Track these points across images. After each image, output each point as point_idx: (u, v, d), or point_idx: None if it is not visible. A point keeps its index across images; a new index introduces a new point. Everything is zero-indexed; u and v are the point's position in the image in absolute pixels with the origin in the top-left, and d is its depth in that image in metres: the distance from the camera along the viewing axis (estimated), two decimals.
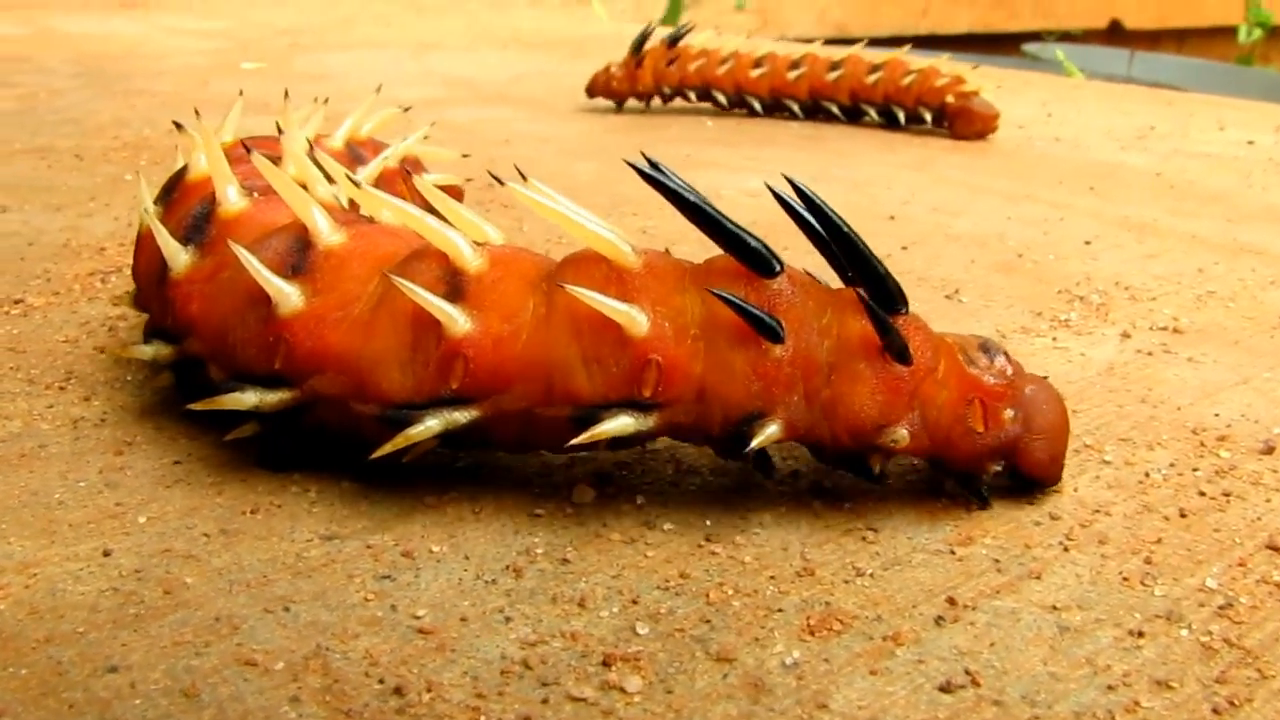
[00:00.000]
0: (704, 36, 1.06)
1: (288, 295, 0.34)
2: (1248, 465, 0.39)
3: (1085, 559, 0.33)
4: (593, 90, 1.07)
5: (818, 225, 0.33)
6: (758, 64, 1.03)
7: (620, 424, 0.32)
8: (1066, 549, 0.34)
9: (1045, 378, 0.37)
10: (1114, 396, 0.45)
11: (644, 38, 1.04)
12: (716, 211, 0.32)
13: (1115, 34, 3.54)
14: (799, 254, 0.38)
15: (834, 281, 0.35)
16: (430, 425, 0.33)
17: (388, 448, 0.34)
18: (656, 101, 1.08)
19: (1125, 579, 0.32)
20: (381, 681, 0.28)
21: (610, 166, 0.84)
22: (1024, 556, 0.33)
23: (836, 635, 0.29)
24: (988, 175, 0.84)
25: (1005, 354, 0.35)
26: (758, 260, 0.32)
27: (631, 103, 1.08)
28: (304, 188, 0.38)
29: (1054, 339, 0.51)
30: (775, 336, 0.32)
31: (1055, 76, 1.36)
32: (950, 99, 0.97)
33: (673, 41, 1.04)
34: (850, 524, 0.35)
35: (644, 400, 0.32)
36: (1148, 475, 0.38)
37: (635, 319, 0.32)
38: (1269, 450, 0.40)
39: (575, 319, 0.33)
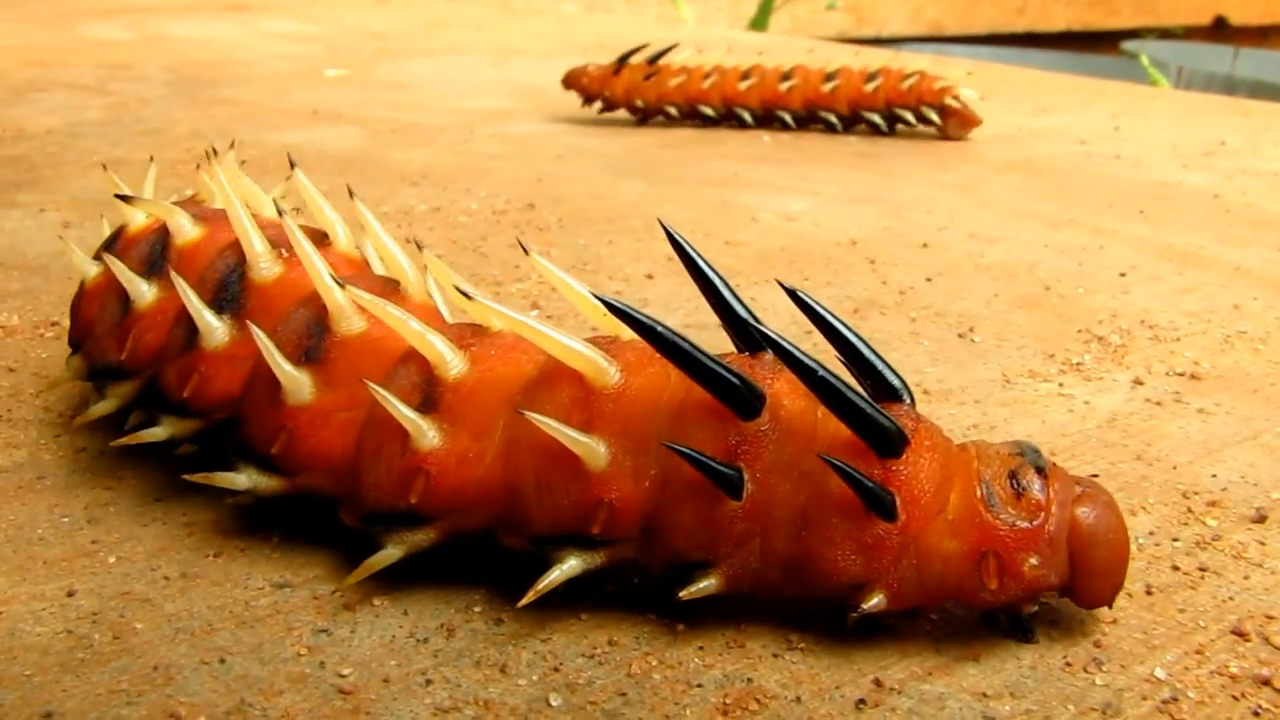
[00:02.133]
0: (685, 55, 1.06)
1: (300, 384, 0.34)
2: (1234, 535, 0.38)
3: (1031, 645, 0.32)
4: (568, 82, 1.07)
5: (842, 332, 0.31)
6: (745, 76, 1.02)
7: (569, 567, 0.31)
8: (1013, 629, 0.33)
9: (1105, 493, 0.31)
10: (1109, 452, 0.44)
11: (630, 54, 1.05)
12: (694, 348, 0.29)
13: (1220, 30, 3.41)
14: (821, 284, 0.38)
15: None
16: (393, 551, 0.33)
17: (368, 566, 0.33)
18: (652, 113, 1.07)
19: (1068, 665, 0.31)
20: None
21: (655, 186, 0.84)
22: (966, 633, 0.32)
23: (749, 716, 0.29)
24: (1035, 197, 0.82)
25: (1046, 475, 0.30)
26: (737, 401, 0.30)
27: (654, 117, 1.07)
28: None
29: (1060, 385, 0.50)
30: (734, 493, 0.29)
31: (1133, 85, 1.32)
32: (949, 100, 0.99)
33: (653, 60, 1.04)
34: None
35: (593, 537, 0.31)
36: None
37: (596, 452, 0.30)
38: (1260, 519, 0.39)
39: (535, 445, 0.31)
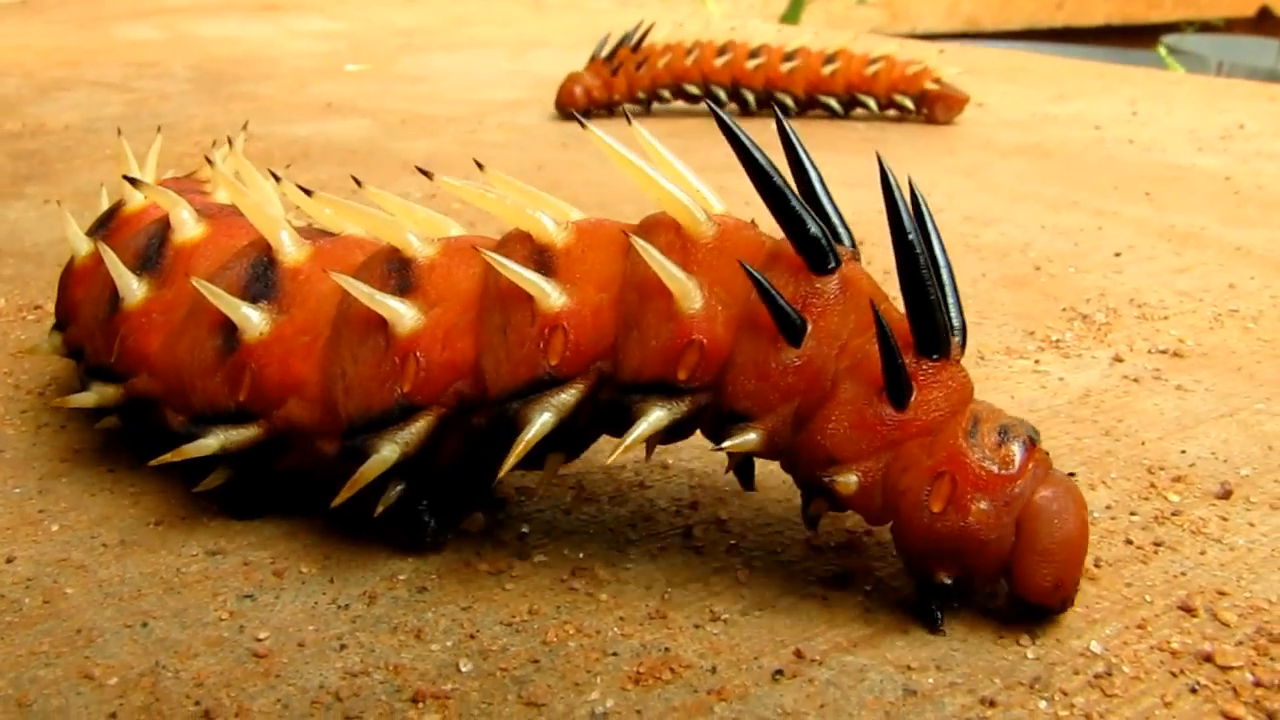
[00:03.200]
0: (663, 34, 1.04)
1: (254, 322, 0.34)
2: (1195, 510, 0.37)
3: (968, 612, 0.31)
4: (567, 104, 1.01)
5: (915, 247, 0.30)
6: (753, 55, 1.01)
7: (655, 419, 0.30)
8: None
9: (1073, 484, 0.30)
10: (1076, 428, 0.42)
11: (615, 50, 1.01)
12: (786, 185, 0.30)
13: (1264, 22, 3.34)
14: None
15: None
16: (389, 452, 0.32)
17: (347, 490, 0.32)
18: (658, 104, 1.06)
19: (1001, 638, 0.30)
20: (197, 703, 0.28)
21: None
22: (899, 609, 0.32)
23: (662, 685, 0.28)
24: (1039, 180, 0.81)
25: (1029, 446, 0.30)
26: (814, 253, 0.30)
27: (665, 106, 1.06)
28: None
29: (1036, 361, 0.48)
30: (793, 340, 0.29)
31: (1157, 71, 1.30)
32: (930, 85, 0.98)
33: (636, 45, 1.01)
34: (727, 561, 0.34)
35: (679, 384, 0.30)
36: None
37: (690, 293, 0.30)
38: (1225, 494, 0.38)
39: (640, 283, 0.31)
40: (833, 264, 0.30)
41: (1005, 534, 0.29)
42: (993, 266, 0.61)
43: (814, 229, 0.30)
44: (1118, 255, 0.63)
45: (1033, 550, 0.29)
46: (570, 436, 0.32)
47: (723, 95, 1.02)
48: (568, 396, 0.31)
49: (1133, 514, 0.37)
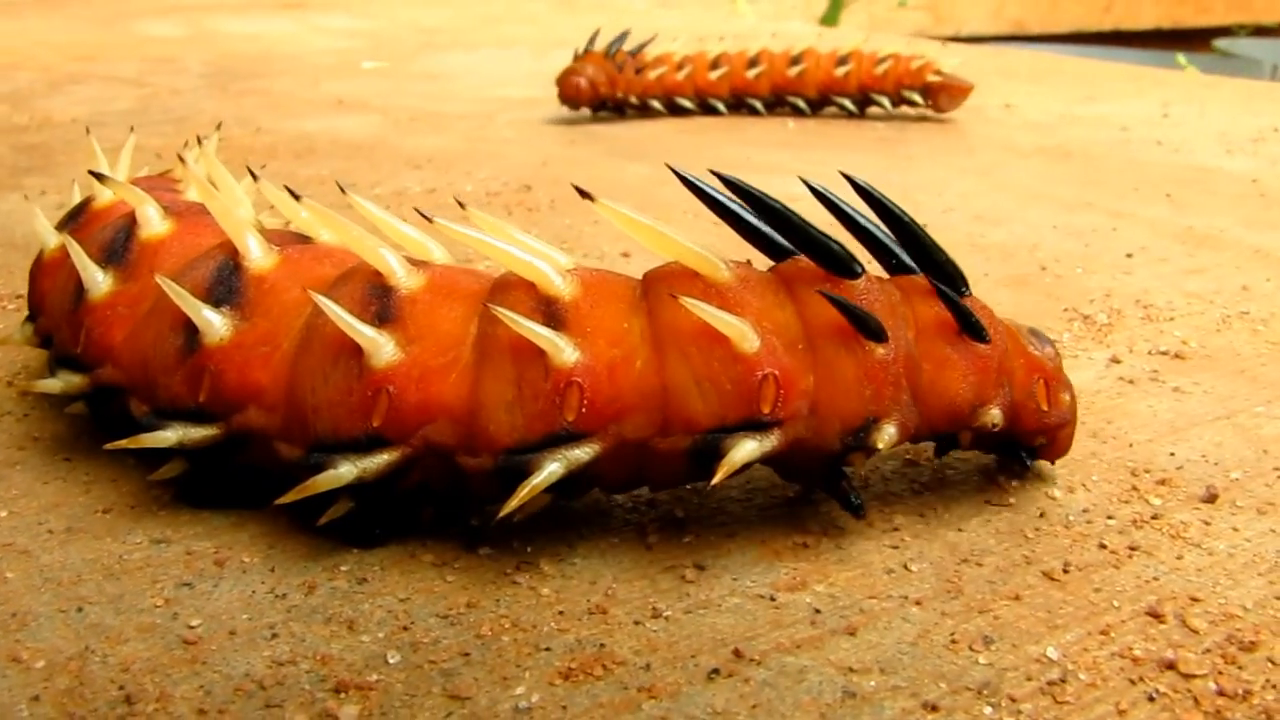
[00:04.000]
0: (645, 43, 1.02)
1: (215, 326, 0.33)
2: (1176, 515, 0.35)
3: (922, 616, 0.30)
4: (571, 97, 0.98)
5: (855, 217, 0.33)
6: (753, 63, 0.99)
7: (747, 451, 0.30)
8: (906, 603, 0.31)
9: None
10: None
11: (615, 48, 0.99)
12: (799, 216, 0.32)
13: None
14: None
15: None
16: (346, 471, 0.31)
17: (294, 494, 0.32)
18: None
19: (954, 642, 0.29)
20: (121, 688, 0.27)
21: (660, 170, 0.82)
22: (851, 609, 0.30)
23: (592, 681, 0.27)
24: (1056, 181, 0.79)
25: (1052, 343, 0.36)
26: (841, 263, 0.32)
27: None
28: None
29: None
30: (880, 337, 0.31)
31: (1194, 74, 1.27)
32: (932, 77, 0.98)
33: (634, 51, 1.00)
34: (677, 560, 0.33)
35: (764, 418, 0.30)
36: (1045, 521, 0.35)
37: (746, 333, 0.30)
38: (1210, 498, 0.36)
39: (681, 337, 0.31)
40: (860, 267, 0.32)
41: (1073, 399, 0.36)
42: (997, 266, 0.60)
43: (836, 246, 0.32)
44: (1129, 256, 0.61)
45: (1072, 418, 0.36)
46: (574, 485, 0.32)
47: (722, 107, 1.00)
48: (582, 453, 0.30)
49: (1110, 518, 0.35)
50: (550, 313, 0.31)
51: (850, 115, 1.01)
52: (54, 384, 0.37)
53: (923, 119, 1.02)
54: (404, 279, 0.32)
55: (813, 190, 0.33)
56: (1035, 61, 1.40)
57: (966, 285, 0.34)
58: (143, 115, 1.04)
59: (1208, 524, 0.35)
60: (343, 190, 0.36)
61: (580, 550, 0.33)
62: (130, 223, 0.38)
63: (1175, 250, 0.62)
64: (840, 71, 0.98)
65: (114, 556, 0.33)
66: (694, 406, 0.30)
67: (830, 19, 2.51)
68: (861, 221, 0.33)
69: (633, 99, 0.99)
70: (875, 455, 0.33)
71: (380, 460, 0.31)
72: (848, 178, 0.33)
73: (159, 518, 0.35)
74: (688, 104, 1.00)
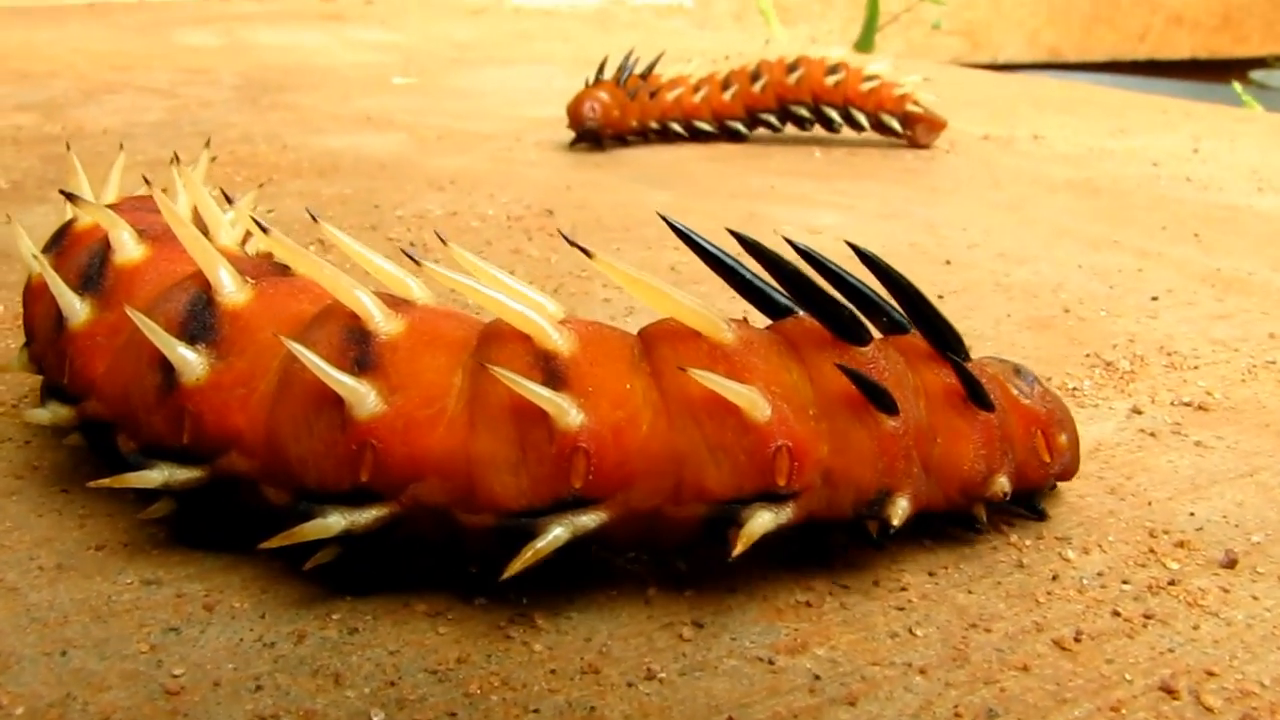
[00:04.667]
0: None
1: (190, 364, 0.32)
2: (1194, 580, 0.34)
3: (926, 686, 0.29)
4: (582, 123, 0.95)
5: (844, 276, 0.32)
6: (755, 77, 0.98)
7: (764, 522, 0.30)
8: (910, 670, 0.30)
9: (1049, 386, 0.37)
10: (1080, 484, 0.40)
11: (626, 74, 0.97)
12: (810, 278, 0.31)
13: None
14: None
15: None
16: (335, 522, 0.31)
17: (280, 539, 0.31)
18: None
19: (957, 716, 0.28)
20: None
21: (683, 198, 0.82)
22: (853, 675, 0.29)
23: None
24: (1084, 218, 0.78)
25: (1034, 376, 0.36)
26: (852, 330, 0.31)
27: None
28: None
29: None
30: (893, 410, 0.31)
31: (1223, 108, 1.25)
32: (910, 107, 0.98)
33: (645, 73, 0.98)
34: (675, 616, 0.32)
35: (780, 490, 0.30)
36: (1058, 584, 0.34)
37: (757, 402, 0.30)
38: (1230, 564, 0.35)
39: (691, 404, 0.30)
40: (868, 333, 0.32)
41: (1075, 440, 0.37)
42: (1019, 307, 0.59)
43: (848, 312, 0.31)
44: (1154, 299, 0.60)
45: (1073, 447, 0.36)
46: (580, 545, 0.31)
47: (742, 128, 1.00)
48: (589, 520, 0.30)
49: (1125, 582, 0.34)
50: (550, 370, 0.30)
51: (830, 130, 1.00)
52: (43, 415, 0.37)
53: (950, 150, 1.00)
54: (383, 323, 0.31)
55: (796, 249, 0.32)
56: (1068, 92, 1.38)
57: (966, 350, 0.34)
58: (171, 127, 1.04)
59: (1226, 591, 0.34)
60: (314, 219, 0.35)
61: (577, 603, 0.32)
62: (105, 247, 0.37)
63: (1202, 293, 0.61)
64: (830, 81, 0.98)
65: (103, 597, 0.32)
66: (709, 475, 0.30)
67: (865, 44, 2.50)
68: (851, 280, 0.32)
69: (651, 124, 0.98)
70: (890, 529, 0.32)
71: (370, 515, 0.30)
72: (852, 246, 0.33)
73: (151, 556, 0.34)
74: (706, 126, 0.99)
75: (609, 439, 0.29)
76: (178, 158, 0.43)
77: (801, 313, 0.32)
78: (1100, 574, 0.34)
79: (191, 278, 0.34)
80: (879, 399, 0.31)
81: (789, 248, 0.32)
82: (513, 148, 0.98)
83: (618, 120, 0.96)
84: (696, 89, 0.99)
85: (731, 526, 0.30)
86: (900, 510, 0.31)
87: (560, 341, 0.30)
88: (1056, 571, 0.34)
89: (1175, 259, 0.68)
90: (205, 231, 0.38)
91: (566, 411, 0.29)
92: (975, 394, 0.33)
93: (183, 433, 0.32)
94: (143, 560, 0.34)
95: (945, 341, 0.33)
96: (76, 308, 0.35)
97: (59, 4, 2.24)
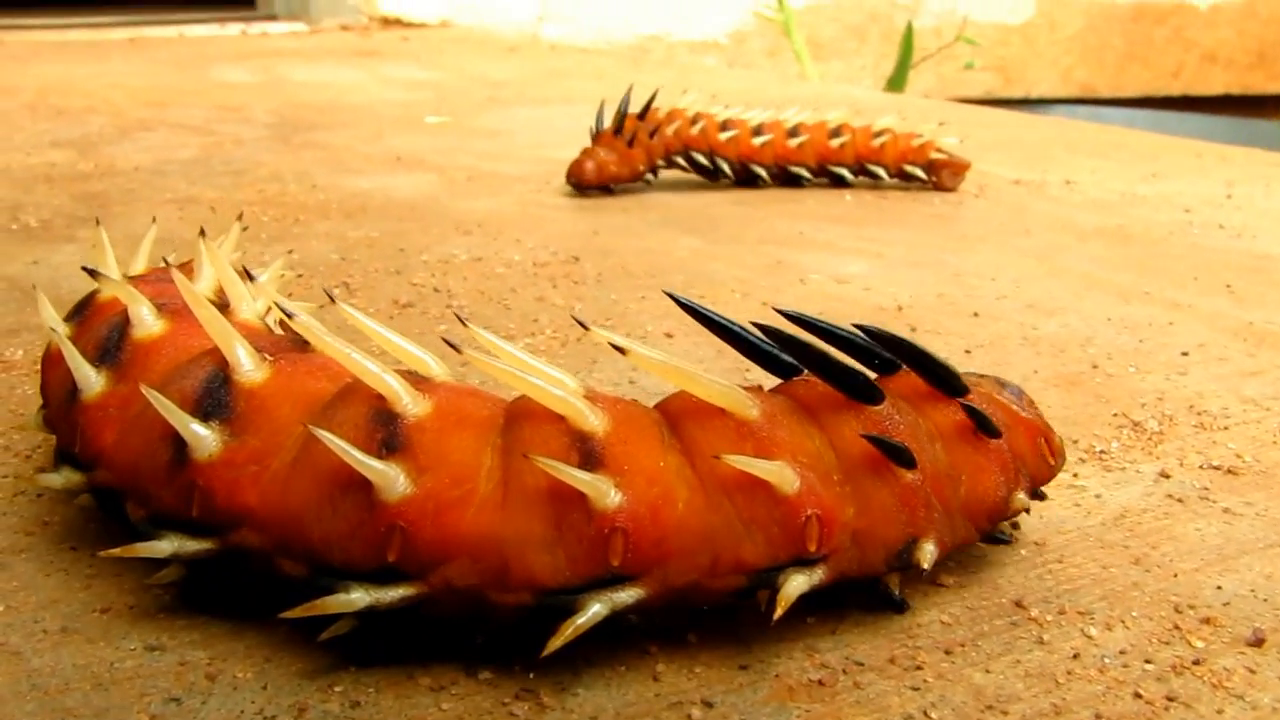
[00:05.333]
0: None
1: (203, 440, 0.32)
2: (1220, 660, 0.33)
3: None
4: (581, 180, 0.95)
5: (833, 330, 0.33)
6: (757, 132, 0.97)
7: (798, 585, 0.31)
8: None
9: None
10: (1104, 554, 0.39)
11: (620, 121, 0.95)
12: (821, 346, 0.32)
13: None
14: None
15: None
16: (359, 598, 0.30)
17: (300, 611, 0.30)
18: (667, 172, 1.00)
19: None
20: None
21: (711, 244, 0.81)
22: None
23: None
24: (1115, 267, 0.77)
25: (1016, 387, 0.37)
26: (865, 392, 0.32)
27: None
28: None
29: (1075, 475, 0.45)
30: (913, 464, 0.32)
31: (1259, 152, 1.23)
32: (934, 154, 0.99)
33: (642, 113, 0.96)
34: (684, 695, 0.31)
35: (811, 556, 0.31)
36: (1078, 663, 0.33)
37: (788, 476, 0.31)
38: (1257, 642, 0.34)
39: (724, 481, 0.31)
40: (880, 393, 0.33)
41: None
42: (1047, 363, 0.58)
43: (860, 376, 0.32)
44: (1185, 355, 0.59)
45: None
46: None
47: (726, 168, 0.98)
48: (627, 596, 0.30)
49: (1148, 662, 0.33)
50: (586, 451, 0.30)
51: (839, 183, 1.00)
52: (55, 479, 0.37)
53: (979, 195, 1.00)
54: (410, 405, 0.31)
55: (785, 315, 0.33)
56: (1100, 135, 1.37)
57: (964, 383, 0.34)
58: (203, 165, 1.05)
59: (1253, 672, 0.33)
60: (332, 300, 0.35)
61: (584, 678, 0.32)
62: (125, 320, 0.37)
63: (1234, 349, 0.60)
64: (835, 143, 0.98)
65: (105, 663, 0.32)
66: (745, 548, 0.31)
67: (897, 82, 2.49)
68: (841, 333, 0.33)
69: (659, 161, 0.98)
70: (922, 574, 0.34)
71: (396, 594, 0.30)
72: (860, 327, 0.34)
73: (156, 620, 0.34)
74: (703, 160, 0.97)
75: (646, 517, 0.30)
76: (204, 232, 0.43)
77: (808, 373, 0.33)
78: (1123, 652, 0.33)
79: (208, 354, 0.34)
80: (899, 457, 0.32)
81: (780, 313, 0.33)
82: (541, 190, 0.98)
83: (618, 174, 0.96)
84: (694, 121, 0.97)
85: (763, 589, 0.32)
86: (929, 554, 0.33)
87: (596, 422, 0.31)
88: (1078, 649, 0.33)
89: (1207, 311, 0.67)
90: (226, 307, 0.38)
91: (606, 493, 0.29)
92: (983, 425, 0.34)
93: (192, 506, 0.32)
94: (147, 624, 0.34)
95: (946, 383, 0.34)
96: (92, 380, 0.35)
97: (101, 38, 2.28)
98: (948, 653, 0.33)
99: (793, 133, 0.98)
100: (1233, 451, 0.47)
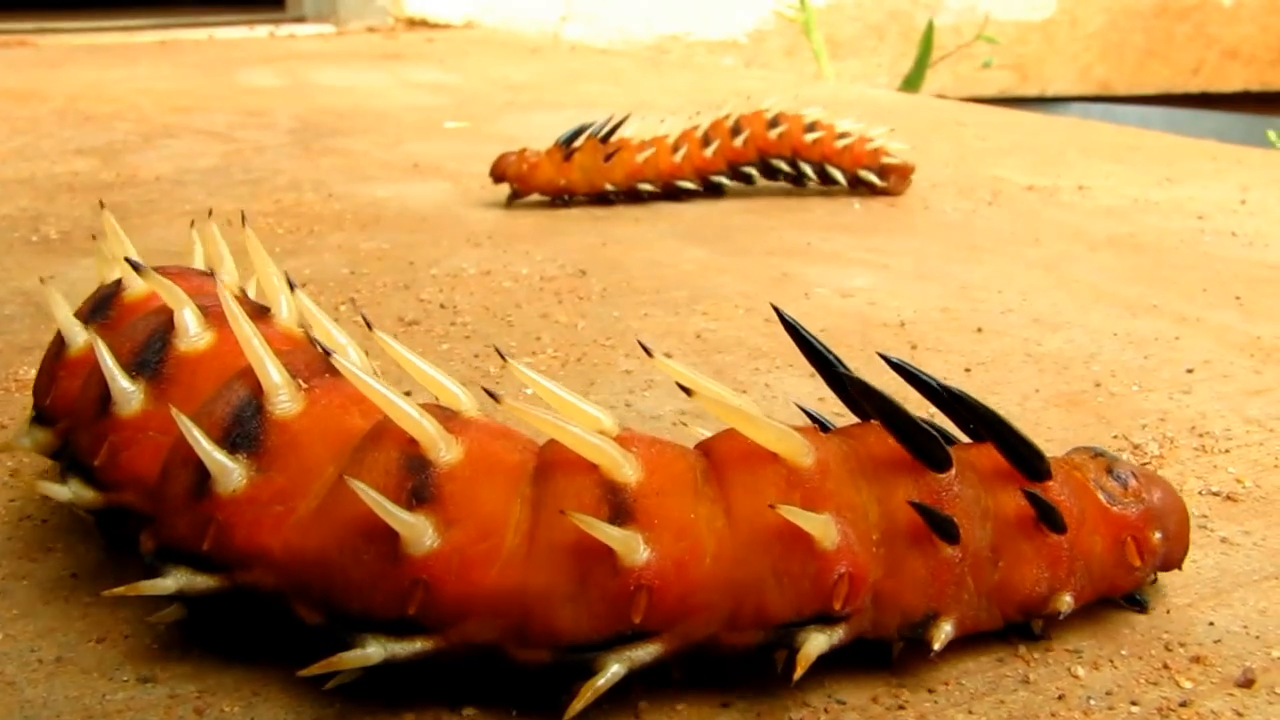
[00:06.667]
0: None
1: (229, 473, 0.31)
2: (1208, 701, 0.33)
3: None
4: (502, 175, 0.94)
5: (935, 386, 0.33)
6: (736, 131, 0.96)
7: (818, 645, 0.31)
8: None
9: (1159, 474, 0.37)
10: None
11: (576, 134, 0.94)
12: (897, 402, 0.31)
13: None
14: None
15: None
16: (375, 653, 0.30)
17: (319, 668, 0.30)
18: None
19: None
20: None
21: (718, 255, 0.81)
22: None
23: None
24: (1124, 278, 0.76)
25: (1130, 469, 0.35)
26: (935, 458, 0.32)
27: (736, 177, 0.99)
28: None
29: None
30: (953, 539, 0.31)
31: (1272, 154, 1.22)
32: (885, 160, 0.98)
33: (605, 137, 0.94)
34: None
35: (835, 614, 0.31)
36: (1063, 704, 0.33)
37: (830, 532, 0.30)
38: (1246, 683, 0.34)
39: (766, 534, 0.31)
40: (950, 459, 0.32)
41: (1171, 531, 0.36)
42: (1049, 381, 0.57)
43: (938, 443, 0.32)
44: (1189, 372, 0.59)
45: (1172, 538, 0.36)
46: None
47: (724, 180, 0.98)
48: (645, 653, 0.30)
49: (1134, 703, 0.33)
50: (617, 503, 0.30)
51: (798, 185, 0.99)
52: (62, 492, 0.35)
53: (992, 203, 0.99)
54: (443, 453, 0.30)
55: (891, 364, 0.33)
56: (1115, 136, 1.36)
57: (1047, 466, 0.33)
58: (222, 174, 1.06)
59: (1240, 715, 0.33)
60: (369, 326, 0.35)
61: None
62: (166, 327, 0.35)
63: (1240, 365, 0.60)
64: (809, 139, 0.97)
65: (97, 695, 0.33)
66: (771, 601, 0.30)
67: (913, 82, 2.48)
68: (939, 389, 0.33)
69: (609, 185, 0.94)
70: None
71: (412, 648, 0.30)
72: (948, 391, 0.34)
73: (150, 652, 0.35)
74: (690, 185, 0.96)
75: (672, 574, 0.29)
76: (245, 218, 0.42)
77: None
78: (1109, 693, 0.33)
79: (241, 378, 0.32)
80: (943, 530, 0.31)
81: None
82: (552, 198, 0.98)
83: (535, 183, 0.94)
84: (675, 148, 0.96)
85: (780, 648, 0.31)
86: (943, 635, 0.32)
87: (630, 472, 0.30)
88: (1063, 690, 0.33)
89: (1214, 325, 0.66)
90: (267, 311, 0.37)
91: (635, 549, 0.29)
92: (1047, 518, 0.33)
93: (205, 540, 0.31)
94: (140, 656, 0.34)
95: (1028, 465, 0.33)
96: (128, 392, 0.34)
97: (132, 42, 2.30)
98: (930, 691, 0.33)
99: (774, 123, 0.97)
100: (1233, 476, 0.47)
